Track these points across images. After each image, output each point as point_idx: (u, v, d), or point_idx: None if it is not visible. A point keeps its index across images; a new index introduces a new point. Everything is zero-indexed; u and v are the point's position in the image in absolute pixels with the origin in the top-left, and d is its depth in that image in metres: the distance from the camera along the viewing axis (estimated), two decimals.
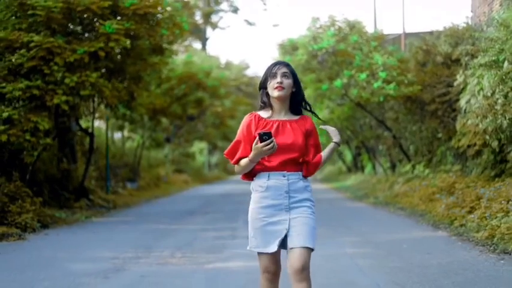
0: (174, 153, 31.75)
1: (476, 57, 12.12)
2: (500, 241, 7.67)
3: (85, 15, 11.76)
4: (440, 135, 15.99)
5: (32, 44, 10.92)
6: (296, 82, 3.72)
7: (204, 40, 46.93)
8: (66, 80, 11.21)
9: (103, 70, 12.86)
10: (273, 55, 27.89)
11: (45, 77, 11.23)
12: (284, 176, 3.63)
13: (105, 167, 18.72)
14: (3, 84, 10.93)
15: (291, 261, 3.52)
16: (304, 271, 3.50)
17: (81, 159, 16.96)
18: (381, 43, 17.62)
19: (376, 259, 7.07)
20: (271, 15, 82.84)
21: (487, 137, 11.54)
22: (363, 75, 15.58)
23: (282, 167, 3.63)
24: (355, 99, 16.61)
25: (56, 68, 11.12)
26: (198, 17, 45.92)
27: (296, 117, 3.74)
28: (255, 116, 3.70)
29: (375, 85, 15.44)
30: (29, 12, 11.15)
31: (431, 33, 17.11)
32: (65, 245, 9.04)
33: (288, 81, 3.66)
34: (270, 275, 3.66)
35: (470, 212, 9.77)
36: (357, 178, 25.15)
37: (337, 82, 15.97)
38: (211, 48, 62.24)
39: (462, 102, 13.13)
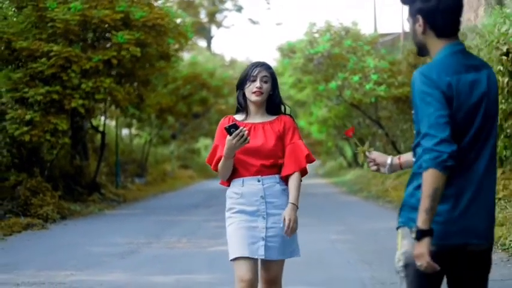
0: (180, 150, 32.78)
1: None
2: None
3: (99, 27, 12.91)
4: None
5: (51, 53, 12.06)
6: (275, 85, 3.65)
7: (208, 38, 47.91)
8: (83, 86, 12.39)
9: (113, 72, 14.00)
10: (274, 56, 28.93)
11: (63, 83, 12.37)
12: (259, 181, 3.54)
13: (114, 163, 19.83)
14: (26, 90, 12.08)
15: (264, 271, 3.53)
16: (276, 283, 3.54)
17: (91, 155, 18.10)
18: (374, 46, 18.72)
19: (354, 244, 8.23)
20: (274, 14, 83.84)
21: None
22: (356, 78, 16.70)
23: (256, 171, 3.55)
24: (349, 99, 17.76)
25: (73, 74, 12.27)
26: (203, 16, 46.93)
27: (272, 118, 3.64)
28: (229, 118, 3.65)
29: (367, 87, 16.57)
30: (49, 24, 12.29)
31: None
32: (83, 233, 10.23)
33: (267, 86, 3.59)
34: (246, 285, 3.44)
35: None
36: (355, 173, 26.17)
37: (332, 84, 17.11)
38: (216, 46, 63.37)
39: None
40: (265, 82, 3.58)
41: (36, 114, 12.02)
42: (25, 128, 11.89)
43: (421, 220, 2.38)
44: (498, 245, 7.42)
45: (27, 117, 11.91)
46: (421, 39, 2.63)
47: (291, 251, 3.56)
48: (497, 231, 7.84)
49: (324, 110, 23.25)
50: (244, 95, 3.62)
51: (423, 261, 2.38)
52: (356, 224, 10.48)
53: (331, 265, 6.79)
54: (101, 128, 17.40)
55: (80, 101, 12.40)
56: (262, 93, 3.56)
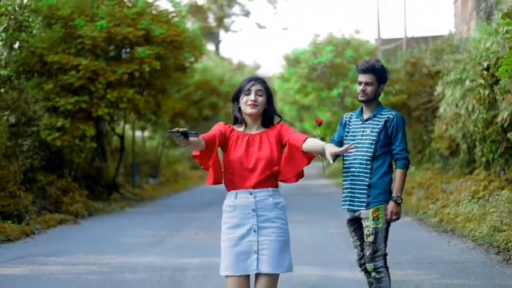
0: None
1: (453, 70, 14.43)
2: (446, 224, 10.10)
3: (122, 42, 14.31)
4: (424, 137, 18.35)
5: (80, 67, 13.47)
6: (269, 99, 3.72)
7: (217, 43, 49.25)
8: (108, 96, 13.83)
9: (133, 82, 15.36)
10: (280, 62, 30.25)
11: (91, 93, 13.82)
12: (251, 194, 3.57)
13: (130, 164, 21.14)
14: (57, 99, 13.51)
15: (257, 286, 3.55)
16: None
17: (109, 157, 19.39)
18: (374, 56, 20.03)
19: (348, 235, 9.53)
20: (281, 18, 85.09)
21: (458, 140, 13.88)
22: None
23: (251, 184, 3.59)
24: (350, 106, 19.07)
25: (99, 86, 13.70)
26: (212, 20, 48.24)
27: (267, 129, 3.73)
28: (227, 125, 3.76)
29: None
30: (78, 40, 13.68)
31: (435, 37, 19.32)
32: (111, 227, 11.58)
33: (261, 99, 3.65)
34: None
35: (434, 203, 12.15)
36: None
37: (334, 92, 18.46)
38: (224, 50, 64.83)
39: (441, 110, 15.40)
40: (260, 96, 3.67)
41: (66, 121, 13.43)
42: (57, 134, 13.29)
43: (400, 193, 4.60)
44: (470, 236, 8.72)
45: (59, 124, 13.32)
46: (376, 96, 4.63)
47: (285, 266, 3.59)
48: (470, 225, 9.16)
49: (328, 114, 24.56)
50: (240, 109, 3.73)
51: (399, 215, 4.63)
52: None
53: (328, 251, 8.15)
54: (117, 131, 18.72)
55: (106, 110, 13.82)
56: (257, 105, 3.65)
